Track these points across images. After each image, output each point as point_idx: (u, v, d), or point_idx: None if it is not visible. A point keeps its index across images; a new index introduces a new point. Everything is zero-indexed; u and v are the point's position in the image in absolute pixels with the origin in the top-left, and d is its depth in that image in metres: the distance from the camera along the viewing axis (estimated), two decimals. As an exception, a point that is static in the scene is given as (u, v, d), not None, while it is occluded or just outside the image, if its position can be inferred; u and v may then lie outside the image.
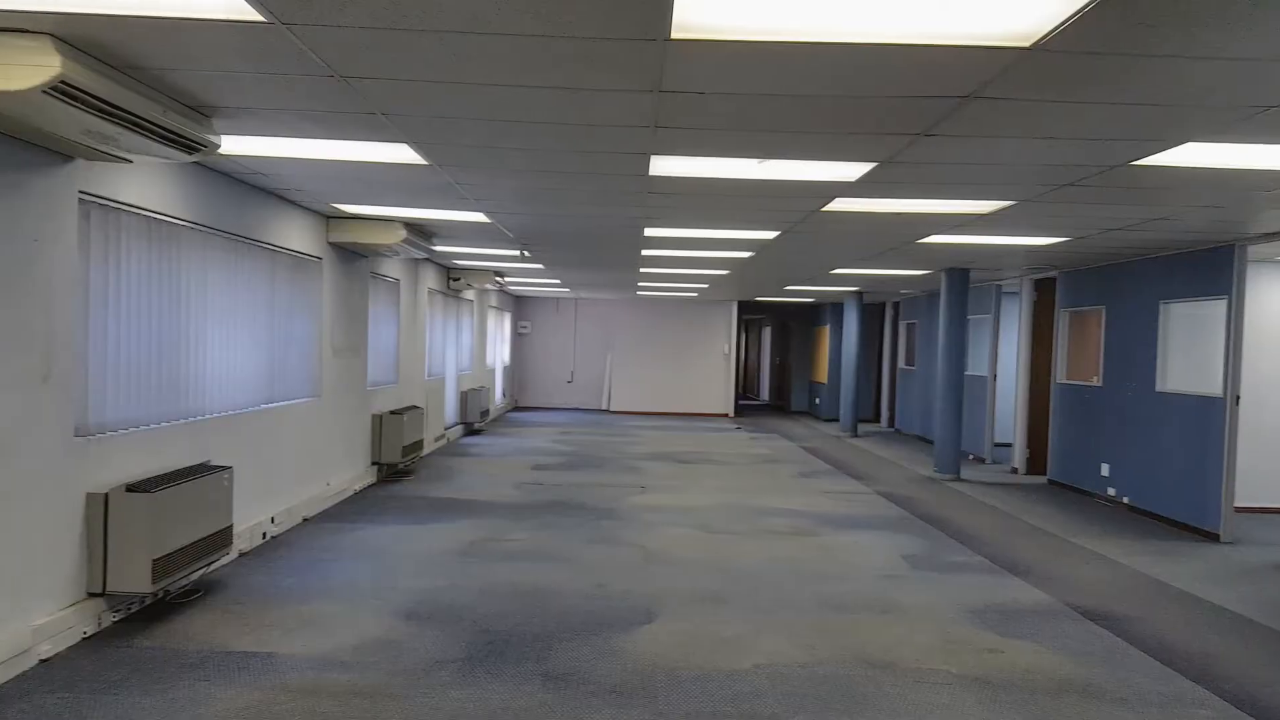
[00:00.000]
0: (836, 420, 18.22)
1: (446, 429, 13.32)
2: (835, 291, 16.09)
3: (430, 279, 11.98)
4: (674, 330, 19.89)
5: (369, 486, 9.24)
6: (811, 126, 4.27)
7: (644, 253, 10.01)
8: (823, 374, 20.21)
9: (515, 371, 20.36)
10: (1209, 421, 8.01)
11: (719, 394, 19.94)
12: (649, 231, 8.16)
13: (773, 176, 5.44)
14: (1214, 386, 8.00)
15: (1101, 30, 2.95)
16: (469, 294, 14.63)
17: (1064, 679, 4.36)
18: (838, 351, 18.82)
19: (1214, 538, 7.82)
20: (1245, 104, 3.69)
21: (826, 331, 19.85)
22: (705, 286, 15.41)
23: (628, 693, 4.03)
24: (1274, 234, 7.22)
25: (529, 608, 5.24)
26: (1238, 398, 7.75)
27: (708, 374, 19.95)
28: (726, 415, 19.78)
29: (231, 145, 5.02)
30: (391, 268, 10.07)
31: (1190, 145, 4.38)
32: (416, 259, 10.78)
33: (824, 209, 6.59)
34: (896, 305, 18.17)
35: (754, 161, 5.06)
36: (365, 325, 9.13)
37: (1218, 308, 8.03)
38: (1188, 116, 3.91)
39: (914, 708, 3.96)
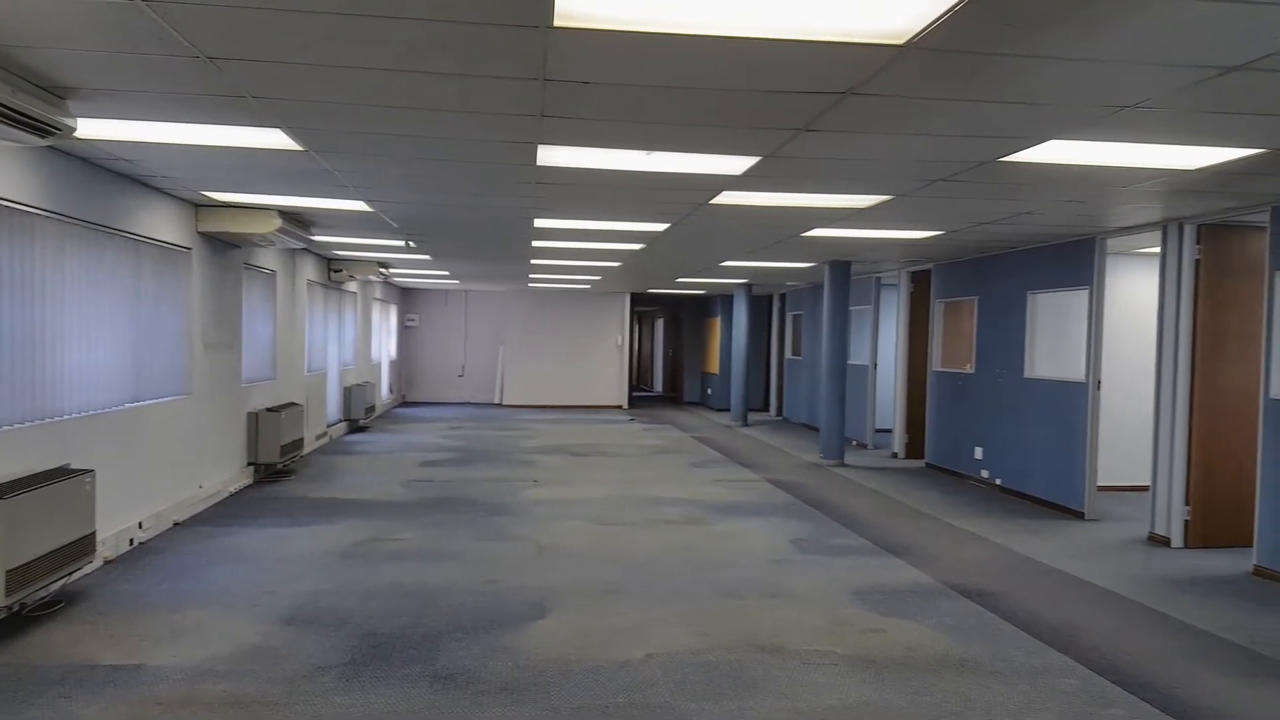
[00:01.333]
0: (728, 410, 18.52)
1: (329, 426, 12.91)
2: (725, 284, 16.34)
3: (309, 270, 11.57)
4: (567, 322, 19.82)
5: (246, 488, 8.87)
6: (697, 120, 4.30)
7: (534, 244, 9.92)
8: (714, 365, 20.52)
9: (403, 366, 19.91)
10: (1073, 406, 8.48)
11: (612, 386, 20.00)
12: (539, 222, 8.08)
13: (661, 169, 5.46)
14: (1077, 372, 8.48)
15: (969, 30, 3.06)
16: (351, 286, 14.21)
17: (942, 655, 4.54)
18: (728, 343, 19.14)
19: (1079, 515, 8.29)
20: (1102, 103, 3.90)
21: (717, 323, 20.15)
22: (598, 278, 15.41)
23: (520, 690, 3.99)
24: (1130, 228, 7.69)
25: (417, 608, 5.12)
26: (1099, 383, 8.23)
27: (601, 366, 19.98)
28: (620, 407, 19.85)
29: (90, 129, 4.71)
30: (267, 258, 9.68)
31: (1053, 143, 4.61)
32: (294, 249, 10.38)
33: (712, 202, 6.66)
34: (784, 297, 18.59)
35: (641, 153, 5.07)
36: (239, 319, 8.74)
37: (1080, 298, 8.50)
38: (1050, 115, 4.10)
39: (802, 689, 4.05)
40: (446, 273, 14.73)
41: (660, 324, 25.59)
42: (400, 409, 18.48)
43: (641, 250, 10.30)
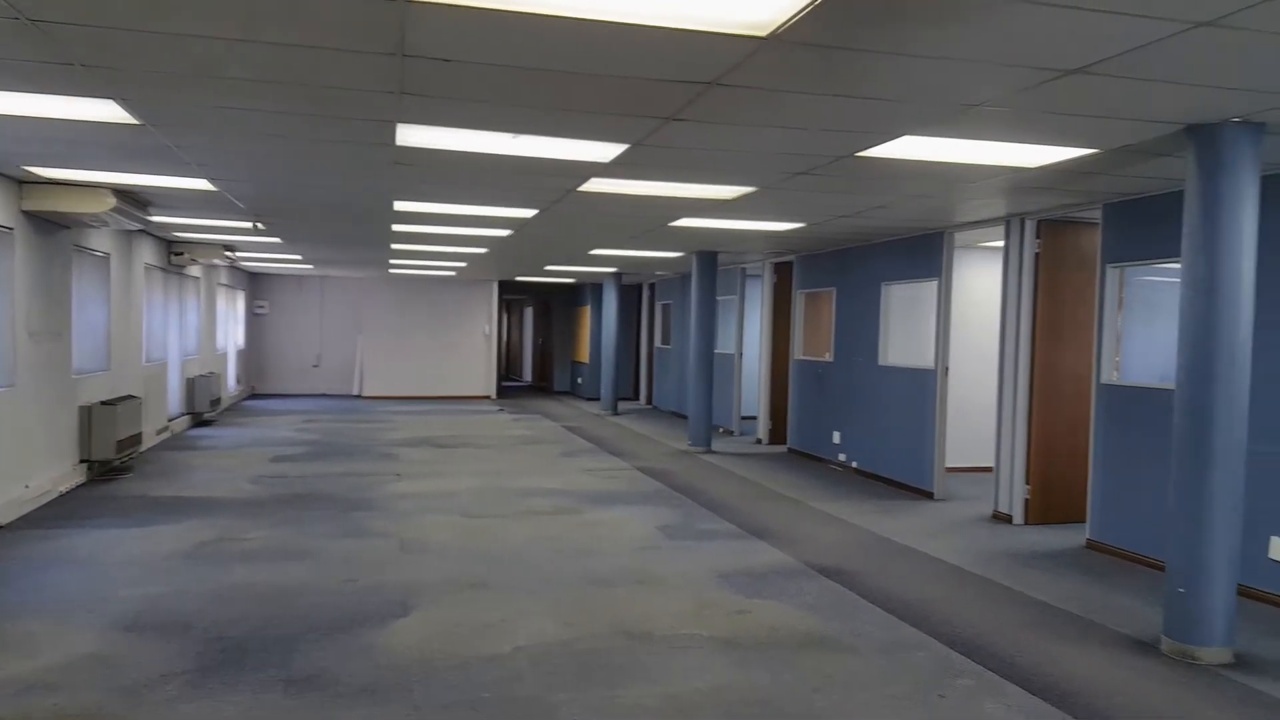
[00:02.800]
0: (598, 399, 18.54)
1: (171, 420, 12.15)
2: (595, 272, 16.32)
3: (148, 253, 10.83)
4: (431, 311, 19.33)
5: (79, 487, 8.23)
6: (564, 104, 4.24)
7: (395, 228, 9.60)
8: (584, 354, 20.50)
9: (252, 356, 18.95)
10: (923, 392, 8.90)
11: (480, 376, 19.67)
12: (399, 205, 7.82)
13: (528, 153, 5.36)
14: (927, 360, 8.90)
15: (829, 25, 3.12)
16: (195, 270, 13.39)
17: (804, 633, 4.67)
18: (598, 332, 19.15)
19: (929, 496, 8.71)
20: (951, 101, 4.06)
21: (587, 312, 20.13)
22: (464, 265, 15.10)
23: (381, 690, 3.85)
24: (976, 222, 8.10)
25: (269, 610, 4.87)
26: (947, 370, 8.66)
27: (468, 356, 19.60)
28: (488, 397, 19.56)
29: (-117, 91, 4.22)
30: (100, 240, 9.00)
31: (905, 138, 4.78)
32: (130, 230, 9.69)
33: (580, 189, 6.60)
34: (653, 286, 18.74)
35: (507, 136, 4.96)
36: (68, 305, 8.09)
37: (930, 289, 8.92)
38: (903, 111, 4.25)
39: (670, 673, 4.07)
40: (299, 257, 14.08)
41: (529, 313, 25.36)
42: (249, 401, 17.59)
43: (509, 237, 10.15)
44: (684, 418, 15.15)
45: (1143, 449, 6.32)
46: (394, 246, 11.73)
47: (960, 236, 8.79)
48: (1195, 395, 4.48)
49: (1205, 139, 4.39)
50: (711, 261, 11.84)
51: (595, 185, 6.43)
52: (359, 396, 19.03)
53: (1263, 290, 5.14)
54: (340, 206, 8.05)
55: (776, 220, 8.31)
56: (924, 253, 8.96)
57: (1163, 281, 6.83)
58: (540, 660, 4.21)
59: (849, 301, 10.47)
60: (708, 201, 7.16)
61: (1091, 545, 6.76)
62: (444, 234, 10.15)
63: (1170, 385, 5.04)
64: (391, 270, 16.54)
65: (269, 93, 4.17)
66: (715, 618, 4.89)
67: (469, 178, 6.32)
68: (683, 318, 15.95)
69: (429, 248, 11.92)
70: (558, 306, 22.17)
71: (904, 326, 9.67)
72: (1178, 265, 4.70)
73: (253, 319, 18.96)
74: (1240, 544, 4.52)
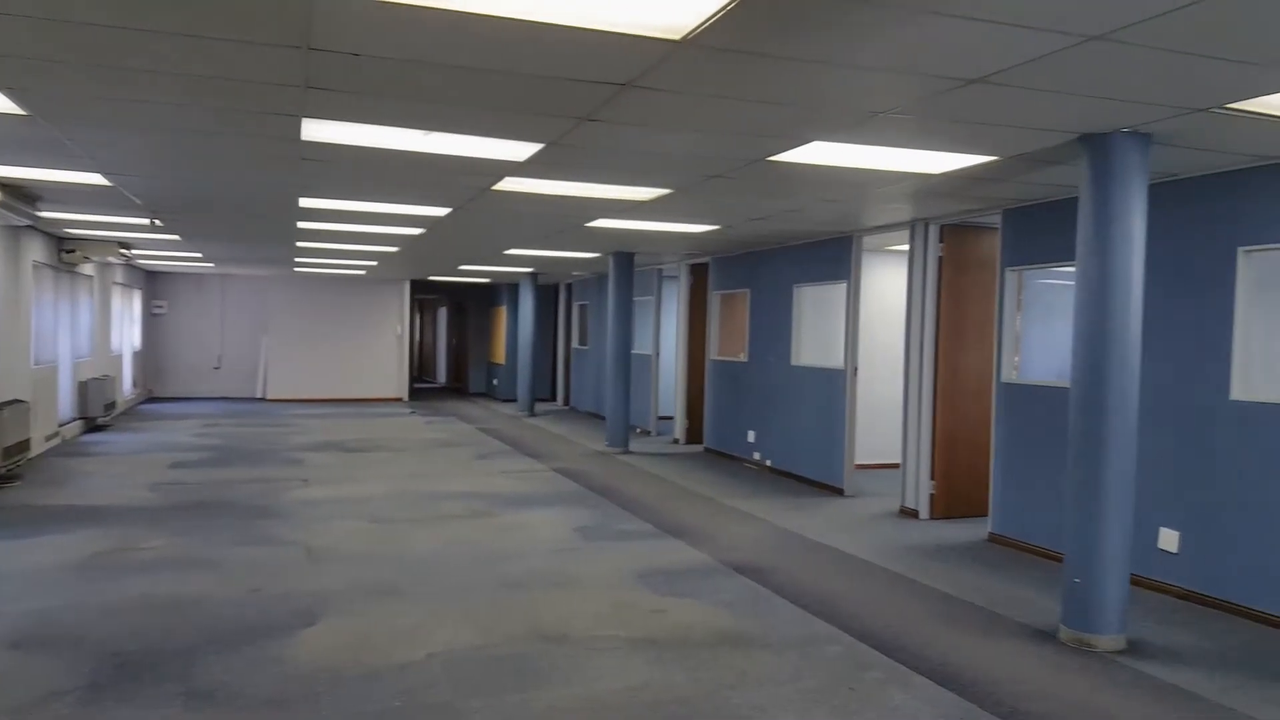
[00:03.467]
0: (514, 400, 18.38)
1: (61, 425, 11.56)
2: (511, 272, 16.17)
3: (36, 250, 10.27)
4: (340, 311, 18.84)
5: (-39, 498, 7.76)
6: (477, 102, 4.18)
7: (301, 225, 9.32)
8: (500, 355, 20.29)
9: (149, 357, 18.17)
10: (834, 391, 9.09)
11: (391, 378, 19.27)
12: (305, 202, 7.60)
13: (440, 150, 5.27)
14: (837, 360, 9.09)
15: (741, 30, 3.16)
16: (87, 268, 12.76)
17: (719, 631, 4.71)
18: (514, 332, 18.99)
19: (840, 492, 8.90)
20: (860, 108, 4.16)
21: (503, 312, 19.93)
22: (374, 264, 14.77)
23: (287, 702, 3.73)
24: (883, 226, 8.32)
25: (168, 622, 4.67)
26: (856, 370, 8.87)
27: (379, 357, 19.18)
28: (400, 400, 19.19)
29: None
30: (-14, 237, 8.50)
31: (815, 144, 4.88)
32: (16, 226, 9.18)
33: (495, 188, 6.53)
34: (570, 287, 18.68)
35: (419, 134, 4.87)
36: (-50, 305, 7.62)
37: (840, 291, 9.12)
38: (812, 117, 4.33)
39: (586, 675, 4.06)
40: (199, 255, 13.55)
41: (443, 313, 24.96)
42: (146, 405, 16.87)
43: (421, 236, 9.97)
44: (602, 418, 15.15)
45: (1040, 445, 6.58)
46: (300, 244, 11.40)
47: (868, 240, 9.01)
48: (1089, 392, 4.69)
49: (1097, 148, 4.60)
50: (628, 262, 11.87)
51: (510, 184, 6.37)
52: (263, 399, 18.43)
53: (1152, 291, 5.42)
54: (243, 203, 7.78)
55: (692, 222, 8.37)
56: (834, 256, 9.16)
57: (1059, 284, 7.13)
58: (454, 666, 4.15)
59: (763, 303, 10.63)
60: (624, 202, 7.17)
61: (993, 538, 7.01)
62: (353, 232, 9.92)
63: (1066, 383, 5.26)
64: (297, 269, 16.08)
65: (168, 84, 4.00)
66: (632, 618, 4.90)
67: (379, 175, 6.19)
68: (600, 318, 15.95)
69: (337, 246, 11.63)
70: (473, 306, 21.89)
71: (815, 327, 9.86)
72: (1073, 268, 4.90)
73: (150, 319, 18.18)
74: (1132, 535, 4.75)
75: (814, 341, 9.82)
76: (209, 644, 4.36)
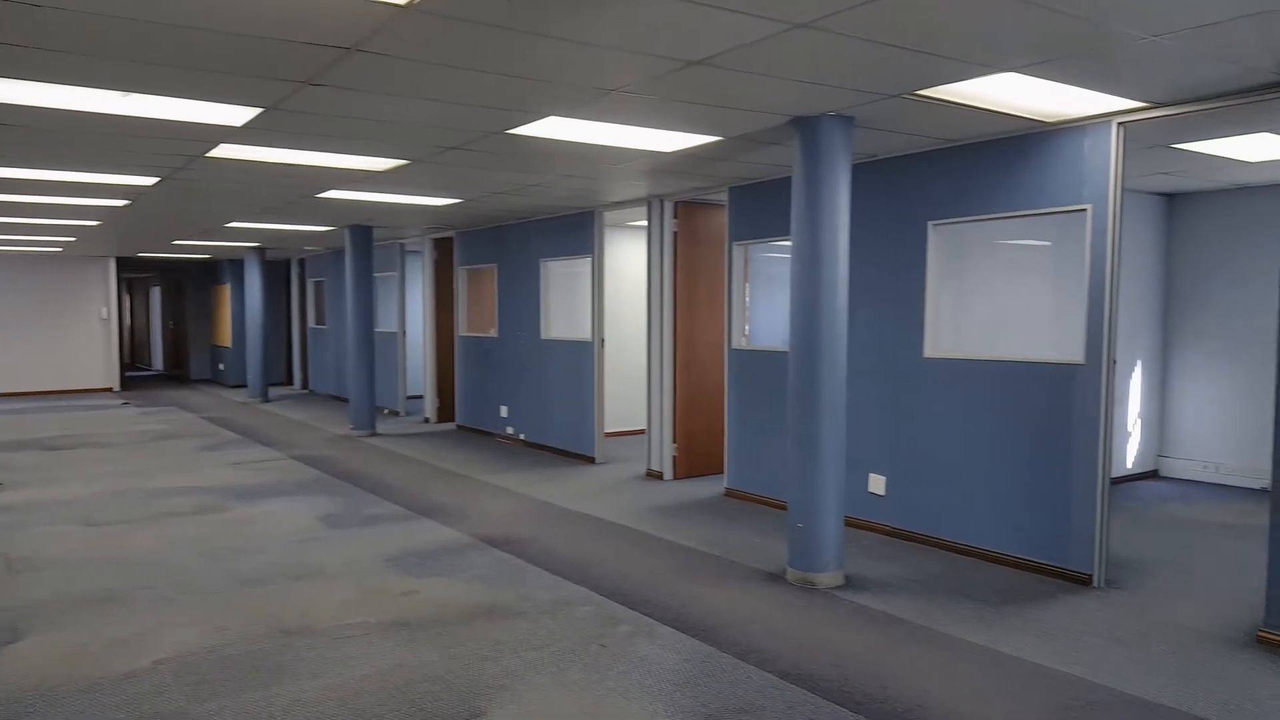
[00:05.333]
0: (245, 386, 17.14)
1: None
2: (234, 247, 14.99)
3: None
4: (33, 292, 16.60)
5: None
6: (181, 62, 3.84)
7: (-22, 198, 8.13)
8: (226, 337, 18.81)
9: None
10: (582, 363, 9.30)
11: (98, 366, 17.31)
12: (-18, 172, 6.63)
13: (143, 114, 4.79)
14: (585, 333, 9.30)
15: (472, -3, 3.13)
16: None
17: (473, 605, 4.72)
18: (241, 313, 17.67)
19: (591, 461, 9.15)
20: (592, 85, 4.25)
21: (228, 291, 18.46)
22: (72, 239, 13.15)
23: (-19, 734, 3.31)
24: (622, 202, 8.57)
25: None
26: (603, 341, 9.11)
27: (82, 343, 17.14)
28: (110, 390, 17.29)
29: None
30: None
31: (552, 119, 4.93)
32: None
33: (209, 155, 6.03)
34: (303, 262, 17.64)
35: (116, 95, 4.39)
36: None
37: (585, 265, 9.31)
38: (547, 91, 4.37)
39: (333, 664, 3.93)
40: None
41: (158, 293, 22.69)
42: None
43: (126, 208, 9.01)
44: (345, 401, 14.52)
45: (767, 405, 7.12)
46: (-23, 218, 9.93)
47: (610, 215, 9.26)
48: (804, 355, 5.13)
49: (808, 130, 5.01)
50: (366, 236, 11.39)
51: (226, 151, 5.91)
52: (-61, 397, 15.94)
53: (859, 263, 6.01)
54: (-103, 169, 6.65)
55: (432, 195, 8.19)
56: (578, 230, 9.32)
57: (780, 257, 7.71)
58: (186, 671, 3.86)
59: (511, 278, 10.63)
60: (358, 173, 6.87)
61: (730, 493, 7.52)
62: (43, 204, 8.77)
63: (787, 348, 5.72)
64: (-24, 246, 14.00)
65: None
66: (382, 602, 4.79)
67: (70, 140, 5.52)
68: (339, 296, 15.23)
69: (24, 220, 10.24)
70: (192, 285, 20.08)
71: (564, 301, 10.02)
72: (790, 242, 5.32)
73: None
74: (845, 482, 5.28)
75: (563, 315, 9.97)
76: (-125, 681, 3.76)
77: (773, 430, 7.01)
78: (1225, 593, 4.96)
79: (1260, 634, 4.22)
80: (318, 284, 16.86)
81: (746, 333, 7.63)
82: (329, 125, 5.12)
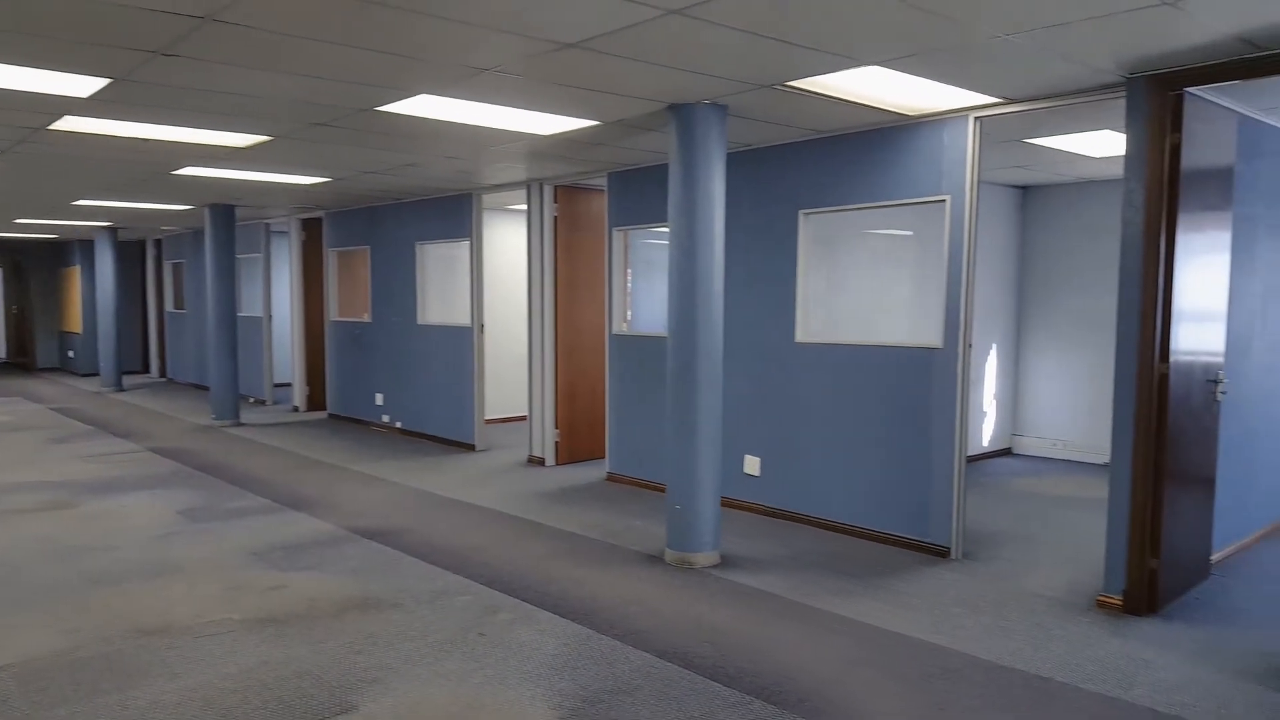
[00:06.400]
0: (97, 375, 16.11)
1: None
2: (84, 226, 14.03)
3: None
4: None
5: None
6: (23, 26, 3.55)
7: None
8: (76, 323, 17.62)
9: None
10: (461, 349, 9.14)
11: (-71, 355, 15.93)
12: None
13: (-28, 81, 4.42)
14: (464, 318, 9.14)
15: (338, -32, 3.01)
16: None
17: (345, 599, 4.59)
18: (92, 296, 16.58)
19: (471, 448, 9.02)
20: (465, 63, 4.17)
21: (77, 273, 17.28)
22: (-107, 218, 12.05)
23: None
24: (501, 185, 8.46)
25: None
26: (483, 326, 8.98)
27: (-91, 330, 15.73)
28: (-57, 380, 15.96)
29: None
30: None
31: (424, 97, 4.81)
32: None
33: (52, 128, 5.62)
34: (159, 243, 16.67)
35: (-59, 58, 4.03)
36: None
37: (463, 248, 9.15)
38: (418, 68, 4.25)
39: (195, 664, 3.75)
40: None
41: (-2, 276, 21.04)
42: None
43: (-41, 184, 8.31)
44: (207, 390, 13.84)
45: (647, 390, 7.18)
46: None
47: (489, 198, 9.12)
48: (682, 340, 5.19)
49: (684, 117, 5.06)
50: (228, 216, 10.85)
51: (72, 124, 5.52)
52: None
53: (737, 252, 6.13)
54: None
55: (299, 173, 7.87)
56: (455, 213, 9.15)
57: (662, 243, 7.77)
58: (32, 678, 3.61)
59: (385, 260, 10.34)
60: (218, 149, 6.54)
61: (611, 478, 7.56)
62: None
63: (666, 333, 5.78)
64: None
65: None
66: (247, 599, 4.60)
67: (-111, 106, 5.04)
68: (199, 278, 14.48)
69: None
70: (36, 267, 18.69)
71: (441, 286, 9.82)
72: (667, 229, 5.37)
73: None
74: (722, 463, 5.38)
75: (440, 299, 9.77)
76: None
77: (653, 414, 7.08)
78: (1069, 561, 5.31)
79: (1100, 599, 4.54)
80: (176, 266, 16.00)
81: (628, 318, 7.67)
82: (185, 98, 4.84)
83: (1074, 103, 4.69)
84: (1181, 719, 3.33)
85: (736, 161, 6.28)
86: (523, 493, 7.11)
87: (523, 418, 9.32)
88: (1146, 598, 4.40)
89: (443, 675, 3.68)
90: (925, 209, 5.47)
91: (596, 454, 8.23)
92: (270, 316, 12.67)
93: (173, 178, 8.06)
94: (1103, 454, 7.89)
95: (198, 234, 14.40)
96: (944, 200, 5.28)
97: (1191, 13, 3.40)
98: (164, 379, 16.72)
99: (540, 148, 6.35)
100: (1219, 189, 4.61)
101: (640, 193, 7.18)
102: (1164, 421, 4.32)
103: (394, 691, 3.53)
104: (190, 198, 9.86)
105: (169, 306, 16.48)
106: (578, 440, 8.32)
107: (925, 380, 5.44)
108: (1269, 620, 4.36)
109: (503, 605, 4.51)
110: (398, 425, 10.16)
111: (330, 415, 11.47)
